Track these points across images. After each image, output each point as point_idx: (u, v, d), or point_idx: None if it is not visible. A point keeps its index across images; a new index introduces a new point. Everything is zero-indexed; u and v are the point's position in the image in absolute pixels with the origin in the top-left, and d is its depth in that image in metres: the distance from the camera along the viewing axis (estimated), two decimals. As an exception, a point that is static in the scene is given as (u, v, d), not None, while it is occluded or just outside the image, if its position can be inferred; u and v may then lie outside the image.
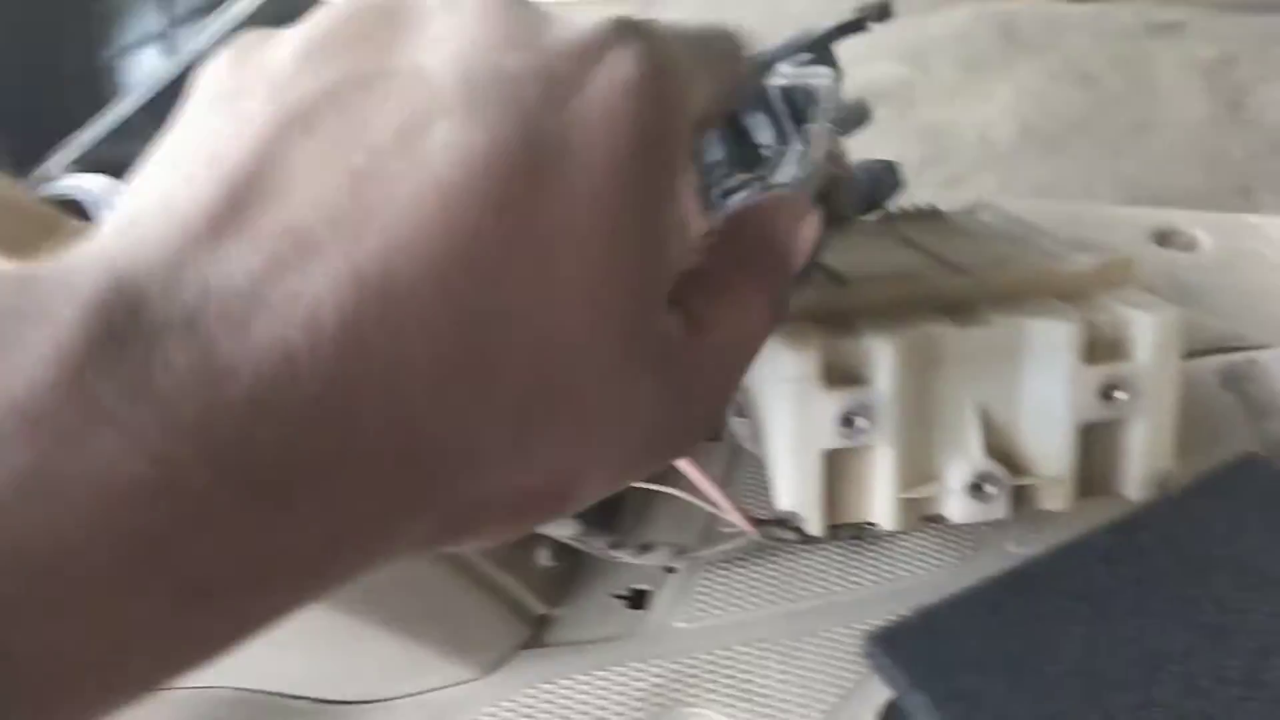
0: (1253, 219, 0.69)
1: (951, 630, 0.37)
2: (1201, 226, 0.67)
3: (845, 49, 0.60)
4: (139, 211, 0.15)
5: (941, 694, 0.35)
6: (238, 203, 0.15)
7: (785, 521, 0.46)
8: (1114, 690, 0.34)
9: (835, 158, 0.39)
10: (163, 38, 0.36)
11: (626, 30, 0.17)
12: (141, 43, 0.36)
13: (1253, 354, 0.56)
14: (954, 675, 0.35)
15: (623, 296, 0.17)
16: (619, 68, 0.16)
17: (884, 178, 0.42)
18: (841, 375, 0.42)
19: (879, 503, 0.43)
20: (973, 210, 0.56)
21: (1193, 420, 0.54)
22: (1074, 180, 1.38)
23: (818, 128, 0.41)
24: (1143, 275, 0.53)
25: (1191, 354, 0.58)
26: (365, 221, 0.14)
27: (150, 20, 0.36)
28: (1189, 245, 0.67)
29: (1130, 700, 0.34)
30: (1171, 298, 0.64)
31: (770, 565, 0.49)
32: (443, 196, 0.14)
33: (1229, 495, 0.41)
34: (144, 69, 0.35)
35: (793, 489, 0.43)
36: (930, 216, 0.55)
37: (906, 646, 0.37)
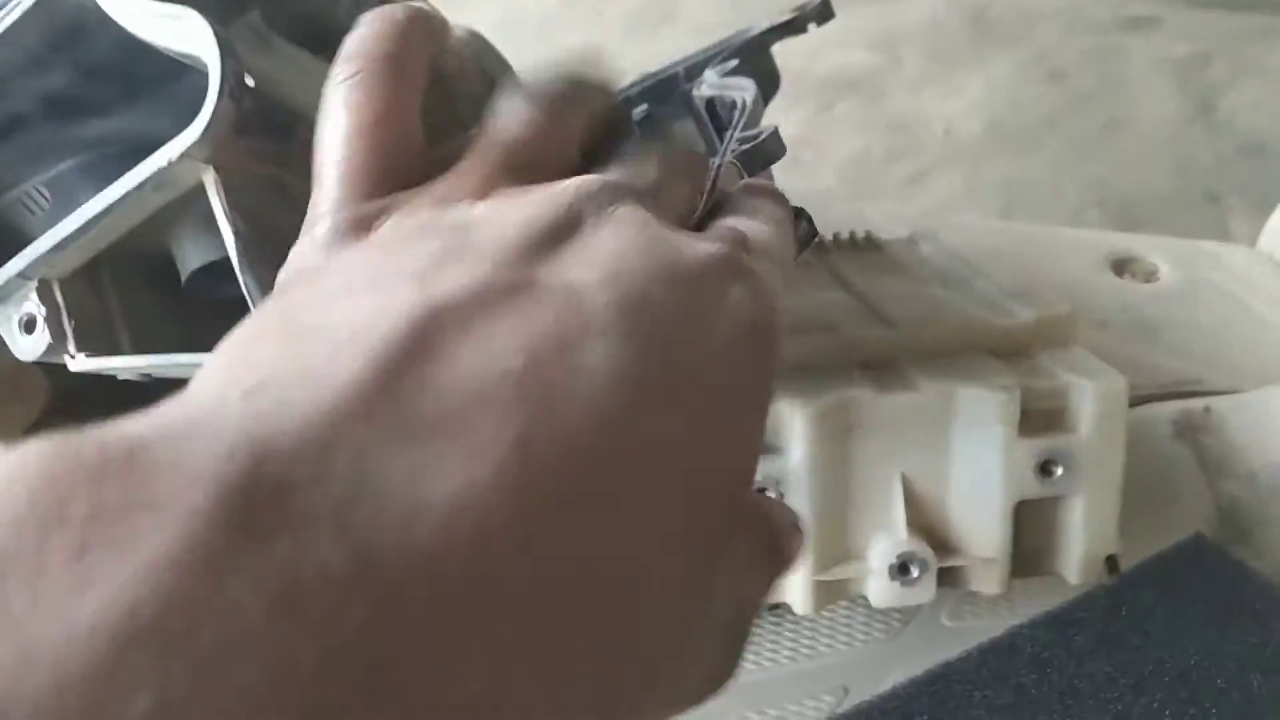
0: (1216, 248, 0.65)
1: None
2: (1161, 254, 0.63)
3: (816, 36, 0.56)
4: (269, 376, 0.14)
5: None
6: (390, 385, 0.14)
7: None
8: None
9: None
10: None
11: (739, 264, 0.19)
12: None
13: (1210, 401, 0.52)
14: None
15: (722, 496, 0.18)
16: (739, 309, 0.18)
17: (796, 226, 0.38)
18: (752, 443, 0.38)
19: (793, 585, 0.39)
20: (914, 240, 0.51)
21: (1145, 475, 0.50)
22: (1042, 180, 1.34)
23: (720, 166, 0.36)
24: (1094, 313, 0.49)
25: (1146, 399, 0.54)
26: (527, 425, 0.14)
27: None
28: (1149, 275, 0.62)
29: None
30: (1129, 333, 0.60)
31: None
32: (600, 409, 0.15)
33: (1172, 586, 0.37)
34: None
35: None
36: (865, 248, 0.51)
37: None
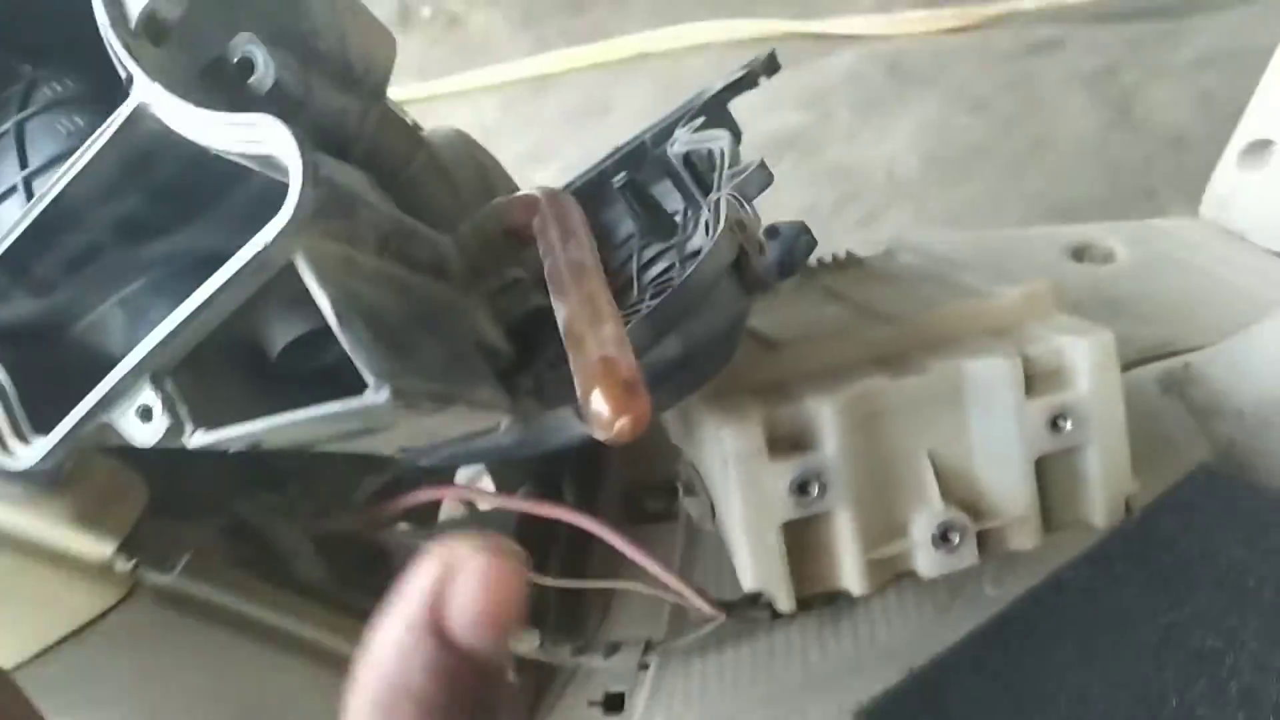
0: (1163, 223, 0.70)
1: (938, 695, 0.35)
2: (1115, 237, 0.68)
3: (745, 102, 0.60)
4: None
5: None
6: None
7: (755, 600, 0.44)
8: (1115, 737, 0.33)
9: (742, 225, 0.39)
10: (17, 190, 0.34)
11: None
12: (1, 198, 0.34)
13: (1187, 357, 0.56)
14: (951, 746, 0.34)
15: None
16: None
17: (798, 240, 0.42)
18: (787, 443, 0.41)
19: (846, 568, 0.42)
20: (891, 252, 0.56)
21: (1141, 431, 0.54)
22: (983, 203, 1.41)
23: (722, 198, 0.40)
24: (1065, 296, 0.53)
25: (1127, 366, 0.58)
26: None
27: (7, 174, 0.34)
28: (1106, 257, 0.67)
29: (1134, 744, 0.32)
30: (1097, 312, 0.64)
31: (746, 646, 0.47)
32: None
33: (1192, 512, 0.40)
34: (4, 223, 0.33)
35: (756, 567, 0.41)
36: (850, 265, 0.55)
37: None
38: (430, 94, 2.07)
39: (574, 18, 2.19)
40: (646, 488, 0.56)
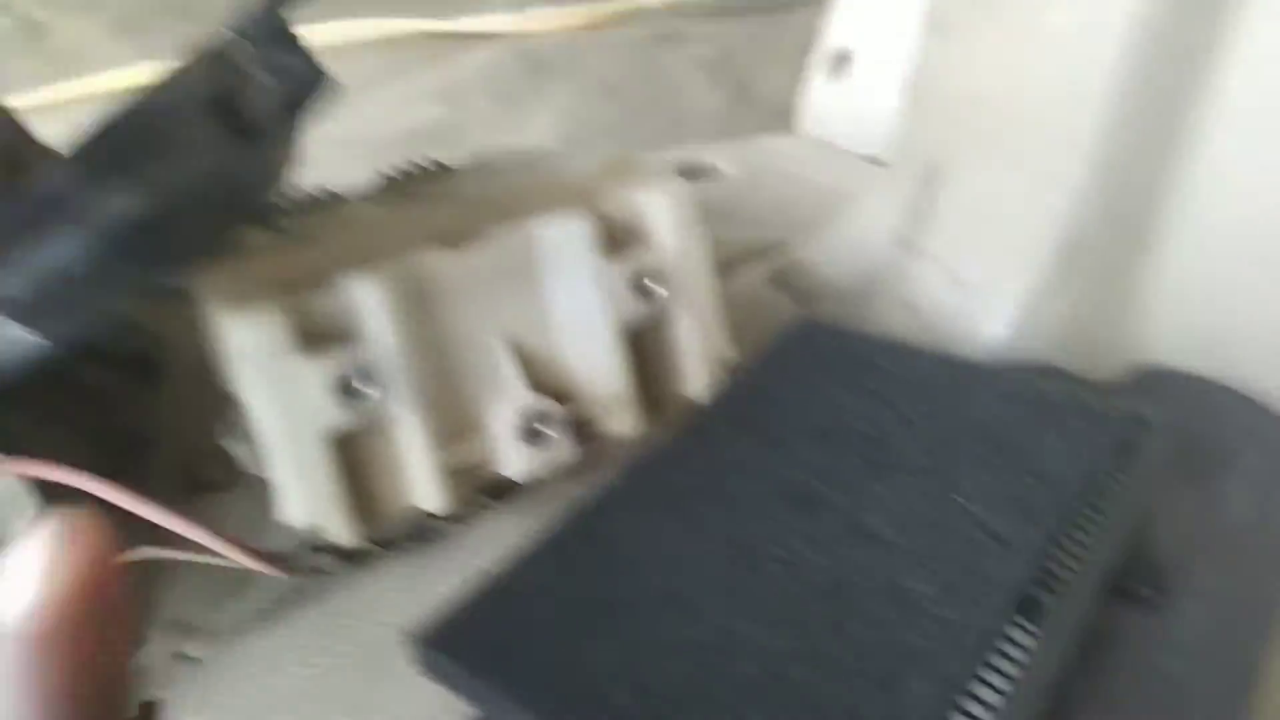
0: (765, 140, 0.70)
1: (519, 603, 0.29)
2: (722, 155, 0.67)
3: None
4: None
5: (527, 683, 0.26)
6: None
7: (315, 544, 0.35)
8: (715, 597, 0.28)
9: (228, 59, 0.31)
10: None
11: None
12: None
13: (789, 252, 0.55)
14: (535, 653, 0.27)
15: None
16: None
17: (301, 70, 0.34)
18: (327, 339, 0.33)
19: (417, 480, 0.35)
20: (485, 158, 0.50)
21: (754, 322, 0.52)
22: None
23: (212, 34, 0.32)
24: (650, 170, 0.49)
25: (738, 262, 0.56)
26: None
27: None
28: (714, 174, 0.66)
29: (735, 600, 0.28)
30: (710, 221, 0.62)
31: (315, 611, 0.38)
32: None
33: (792, 363, 0.37)
34: None
35: (301, 493, 0.33)
36: (436, 173, 0.48)
37: (469, 640, 0.28)
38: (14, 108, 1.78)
39: (182, 23, 1.99)
40: (202, 455, 0.46)
